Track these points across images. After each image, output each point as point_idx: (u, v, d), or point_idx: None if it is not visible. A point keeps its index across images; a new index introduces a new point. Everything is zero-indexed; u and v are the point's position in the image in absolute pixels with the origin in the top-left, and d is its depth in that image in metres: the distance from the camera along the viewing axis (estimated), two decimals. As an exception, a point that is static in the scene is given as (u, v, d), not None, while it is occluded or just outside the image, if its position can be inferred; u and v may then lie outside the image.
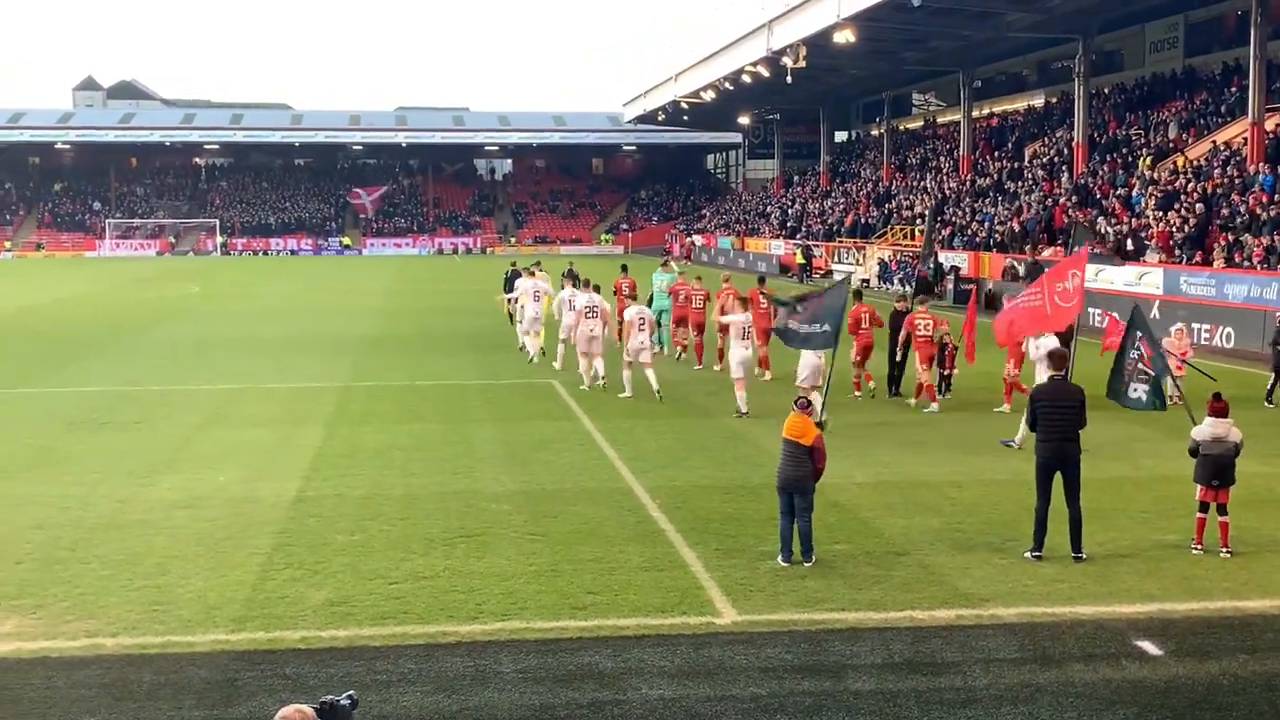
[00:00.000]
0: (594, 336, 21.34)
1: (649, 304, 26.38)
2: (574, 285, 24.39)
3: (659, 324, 25.38)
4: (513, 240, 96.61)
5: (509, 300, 30.19)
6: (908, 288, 40.86)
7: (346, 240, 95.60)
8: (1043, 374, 16.24)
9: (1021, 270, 39.30)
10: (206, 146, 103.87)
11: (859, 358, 20.90)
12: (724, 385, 21.15)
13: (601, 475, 14.80)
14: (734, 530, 12.21)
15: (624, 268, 29.09)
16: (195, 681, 8.37)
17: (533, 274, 27.92)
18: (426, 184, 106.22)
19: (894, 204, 58.65)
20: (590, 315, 21.37)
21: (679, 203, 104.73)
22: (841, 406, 19.60)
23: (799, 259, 57.17)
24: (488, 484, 14.28)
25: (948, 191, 54.80)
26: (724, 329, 22.23)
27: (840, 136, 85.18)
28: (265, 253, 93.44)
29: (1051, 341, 16.56)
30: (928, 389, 19.76)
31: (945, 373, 20.57)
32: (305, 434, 17.56)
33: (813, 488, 11.08)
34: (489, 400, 20.81)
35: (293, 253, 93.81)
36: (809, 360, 18.35)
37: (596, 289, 22.14)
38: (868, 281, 48.64)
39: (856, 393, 20.79)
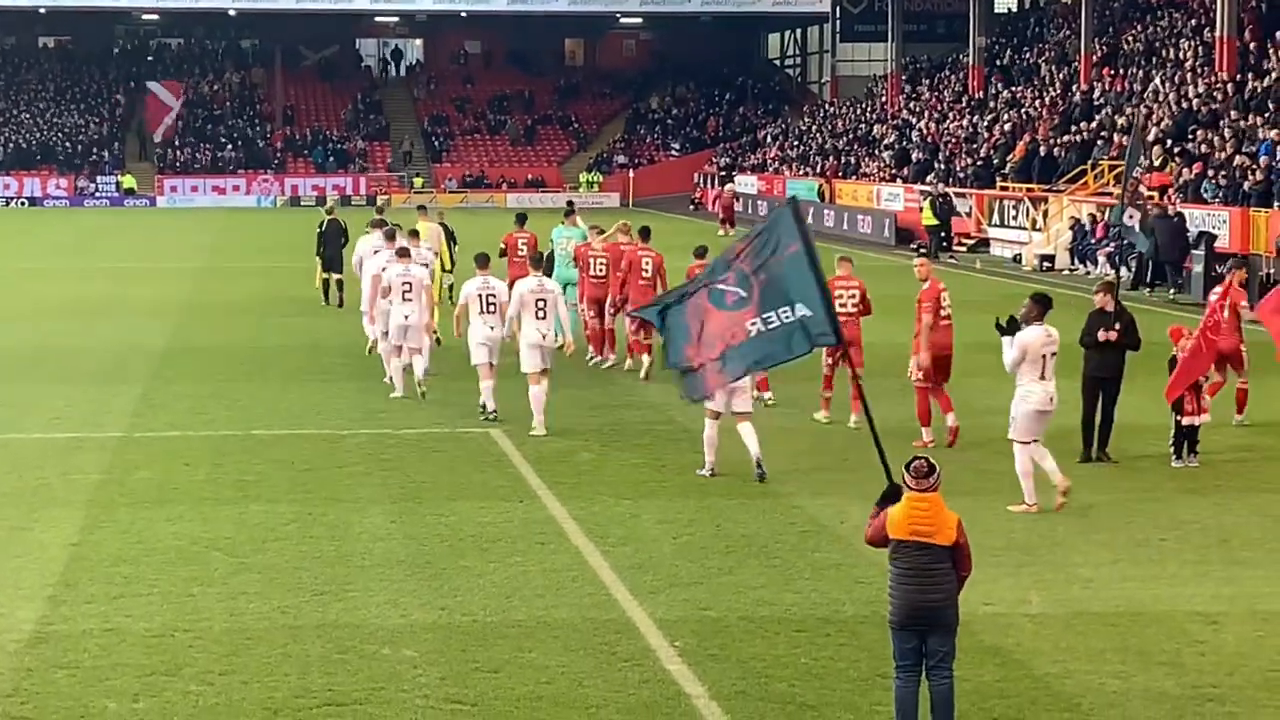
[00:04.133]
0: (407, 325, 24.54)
1: (549, 270, 27.66)
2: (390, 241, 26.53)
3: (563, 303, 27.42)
4: (421, 180, 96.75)
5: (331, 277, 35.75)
6: (1121, 270, 40.84)
7: (129, 181, 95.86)
8: (1029, 382, 17.66)
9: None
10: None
11: (830, 360, 22.76)
12: (785, 431, 21.25)
13: (578, 597, 14.82)
14: (811, 695, 12.21)
15: (520, 218, 32.14)
16: None
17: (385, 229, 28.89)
18: (272, 84, 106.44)
19: (1099, 121, 58.69)
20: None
21: (718, 119, 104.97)
22: (957, 467, 19.55)
23: (928, 217, 57.07)
24: (378, 613, 14.31)
25: (1191, 99, 54.83)
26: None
27: (1005, 1, 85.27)
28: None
29: None
30: (949, 428, 21.49)
31: (1191, 421, 20.55)
32: (51, 523, 17.57)
33: (956, 619, 11.11)
34: (381, 464, 20.91)
35: (31, 202, 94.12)
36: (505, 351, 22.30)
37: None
38: (1051, 259, 48.65)
39: (823, 412, 23.19)
